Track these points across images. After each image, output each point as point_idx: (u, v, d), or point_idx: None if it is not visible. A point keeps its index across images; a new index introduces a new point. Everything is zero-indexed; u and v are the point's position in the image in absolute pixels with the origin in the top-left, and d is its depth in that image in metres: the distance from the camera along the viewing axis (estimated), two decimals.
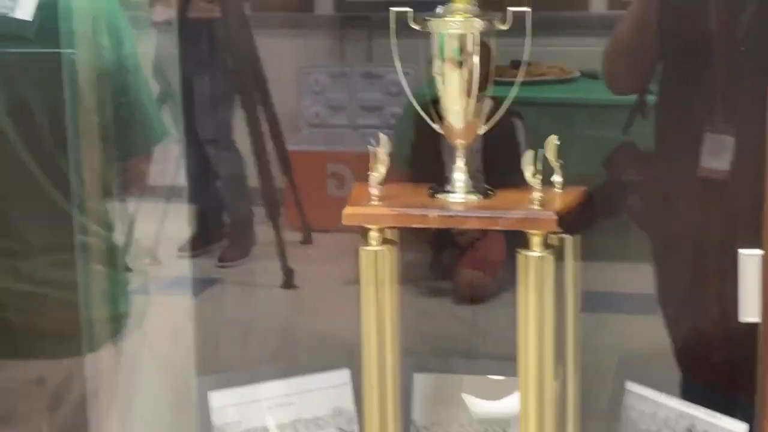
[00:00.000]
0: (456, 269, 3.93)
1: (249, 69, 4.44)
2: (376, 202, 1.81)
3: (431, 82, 1.92)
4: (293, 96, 5.08)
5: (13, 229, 2.26)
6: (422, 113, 1.91)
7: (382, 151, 1.78)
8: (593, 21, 4.78)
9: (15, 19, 1.98)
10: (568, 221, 1.86)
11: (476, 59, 1.77)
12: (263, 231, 4.41)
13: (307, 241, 4.35)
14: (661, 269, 2.54)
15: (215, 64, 4.53)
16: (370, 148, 1.79)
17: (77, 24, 2.01)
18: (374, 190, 1.81)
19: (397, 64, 1.89)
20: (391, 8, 1.82)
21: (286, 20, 5.36)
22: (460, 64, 1.79)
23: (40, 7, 2.03)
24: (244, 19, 4.46)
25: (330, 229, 3.82)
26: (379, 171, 1.78)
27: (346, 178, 4.19)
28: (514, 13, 1.78)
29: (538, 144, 1.86)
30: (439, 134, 1.94)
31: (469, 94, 1.80)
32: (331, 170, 4.36)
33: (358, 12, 4.79)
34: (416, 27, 1.76)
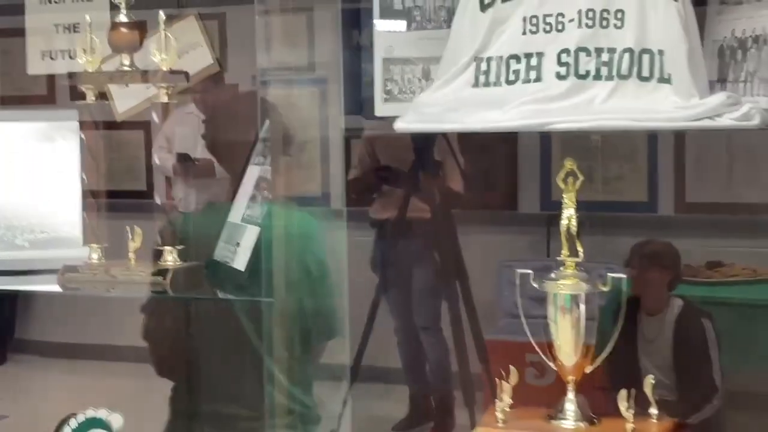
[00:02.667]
0: None
1: (452, 263, 4.71)
2: (501, 425, 2.02)
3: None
4: (493, 288, 5.30)
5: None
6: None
7: (508, 386, 1.98)
8: None
9: (233, 268, 2.30)
10: None
11: (583, 309, 1.94)
12: (461, 415, 4.55)
13: None
14: None
15: (425, 259, 4.83)
16: (497, 381, 1.99)
17: (276, 277, 2.29)
18: (499, 415, 2.03)
19: None
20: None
21: (489, 217, 5.64)
22: (570, 314, 1.96)
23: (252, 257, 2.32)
24: (450, 217, 4.76)
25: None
26: (504, 400, 1.98)
27: (546, 367, 4.30)
28: None
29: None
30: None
31: (576, 339, 1.97)
32: (530, 359, 4.48)
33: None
34: (535, 285, 1.98)
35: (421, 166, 4.57)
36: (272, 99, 2.40)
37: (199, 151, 3.66)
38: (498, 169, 5.68)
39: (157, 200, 2.24)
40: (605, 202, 5.28)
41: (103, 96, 2.35)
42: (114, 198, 2.36)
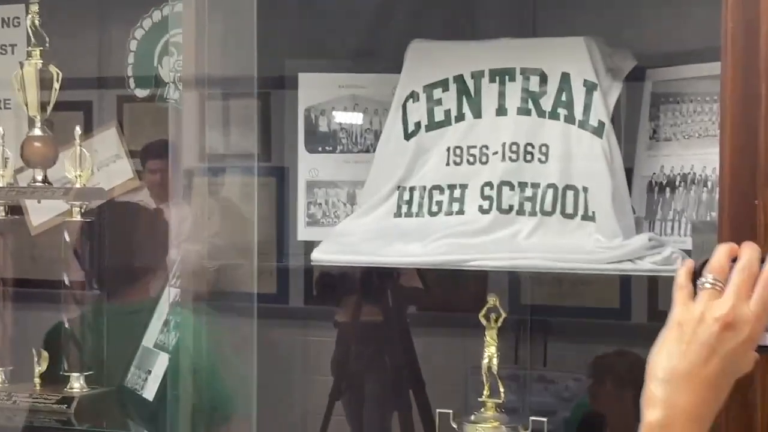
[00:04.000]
0: None
1: (406, 369, 4.75)
2: None
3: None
4: (459, 396, 5.32)
5: None
6: None
7: None
8: None
9: (142, 397, 2.36)
10: None
11: None
12: None
13: None
14: None
15: (377, 364, 4.86)
16: None
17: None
18: None
19: None
20: None
21: (455, 320, 5.68)
22: None
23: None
24: (404, 320, 4.81)
25: None
26: None
27: None
28: None
29: None
30: None
31: None
32: None
33: (534, 316, 5.07)
34: (455, 426, 2.06)
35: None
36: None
37: None
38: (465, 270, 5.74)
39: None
40: (574, 308, 5.34)
41: (16, 210, 2.43)
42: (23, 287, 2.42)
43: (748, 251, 1.33)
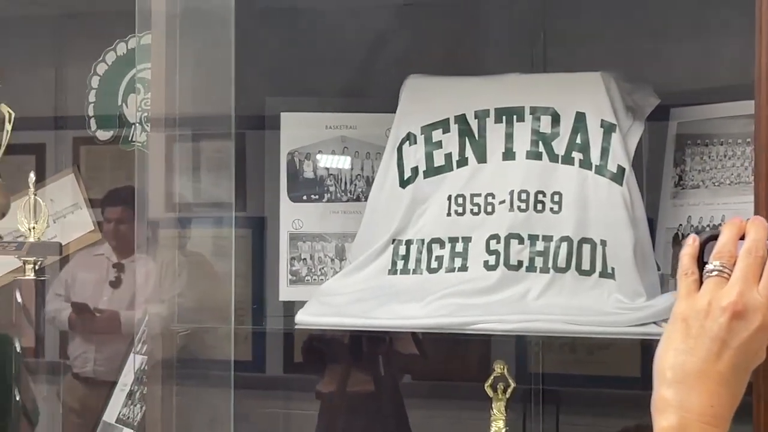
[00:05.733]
0: None
1: None
2: None
3: None
4: None
5: None
6: None
7: None
8: None
9: None
10: None
11: None
12: None
13: None
14: None
15: None
16: None
17: None
18: None
19: None
20: None
21: (455, 390, 5.66)
22: None
23: None
24: (397, 390, 4.78)
25: None
26: None
27: None
28: None
29: None
30: None
31: None
32: None
33: (545, 385, 5.05)
34: None
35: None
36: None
37: (104, 302, 3.70)
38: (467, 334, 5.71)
39: None
40: (590, 377, 5.31)
41: None
42: None
43: (754, 231, 1.32)
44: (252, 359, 2.97)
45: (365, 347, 4.72)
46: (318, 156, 2.30)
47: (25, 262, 2.28)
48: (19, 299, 2.30)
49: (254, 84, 2.35)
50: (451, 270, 2.07)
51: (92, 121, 2.66)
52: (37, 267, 2.28)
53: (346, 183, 2.31)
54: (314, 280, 2.29)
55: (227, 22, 2.03)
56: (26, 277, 2.29)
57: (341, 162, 2.31)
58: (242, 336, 2.75)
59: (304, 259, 2.30)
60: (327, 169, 2.31)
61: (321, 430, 5.05)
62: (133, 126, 2.55)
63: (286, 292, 2.31)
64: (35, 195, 2.29)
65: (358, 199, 2.28)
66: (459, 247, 2.08)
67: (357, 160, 2.30)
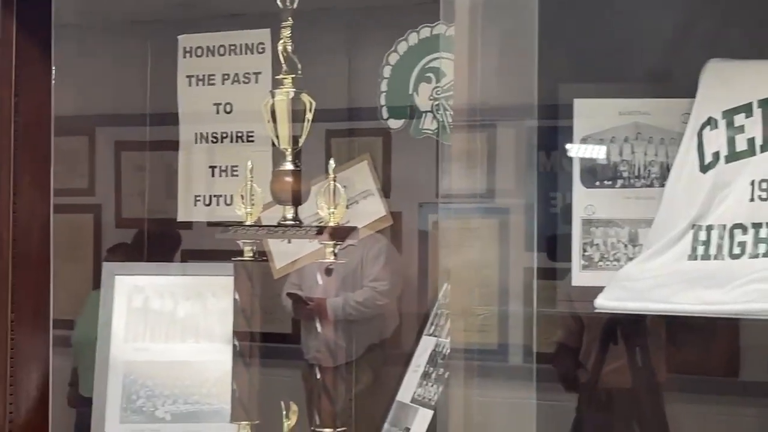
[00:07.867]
0: None
1: None
2: None
3: None
4: None
5: None
6: None
7: None
8: None
9: None
10: None
11: None
12: None
13: None
14: None
15: None
16: None
17: None
18: None
19: None
20: None
21: (702, 386, 5.53)
22: None
23: None
24: (655, 386, 4.72)
25: None
26: None
27: None
28: None
29: None
30: None
31: None
32: None
33: None
34: None
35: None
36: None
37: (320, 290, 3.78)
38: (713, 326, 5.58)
39: None
40: None
41: (261, 254, 2.52)
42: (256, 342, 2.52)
43: None
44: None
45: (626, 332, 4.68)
46: (611, 142, 2.32)
47: (324, 246, 2.37)
48: (320, 281, 2.38)
49: (548, 71, 2.38)
50: (755, 256, 2.05)
51: (384, 110, 2.74)
52: (335, 251, 2.36)
53: (639, 169, 2.32)
54: (607, 265, 2.30)
55: (531, 10, 2.06)
56: (326, 260, 2.37)
57: (635, 148, 2.32)
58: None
59: (597, 244, 2.32)
60: (620, 155, 2.32)
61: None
62: (423, 115, 2.62)
63: (579, 277, 2.34)
64: (335, 181, 2.36)
65: (651, 185, 2.29)
66: (763, 232, 2.06)
67: (651, 146, 2.31)
